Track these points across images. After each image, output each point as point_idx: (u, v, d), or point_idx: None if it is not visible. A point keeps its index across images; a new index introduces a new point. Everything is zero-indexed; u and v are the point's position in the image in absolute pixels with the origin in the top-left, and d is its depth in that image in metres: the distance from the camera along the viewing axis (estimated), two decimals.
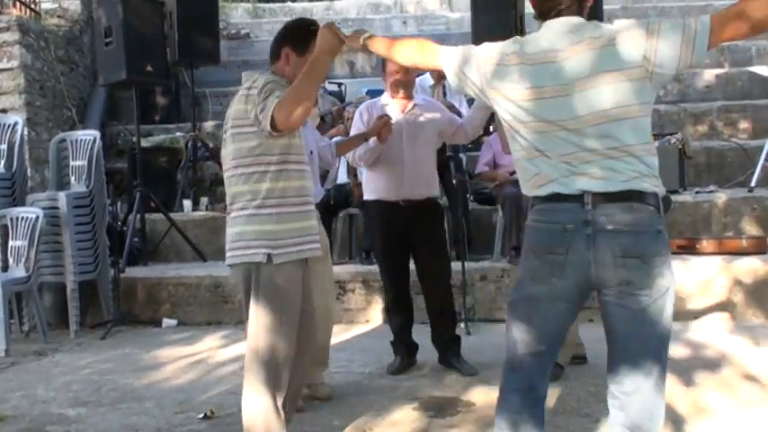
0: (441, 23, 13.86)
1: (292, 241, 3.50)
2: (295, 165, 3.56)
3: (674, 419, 4.26)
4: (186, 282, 7.75)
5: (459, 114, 6.87)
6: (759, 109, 10.05)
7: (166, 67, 9.16)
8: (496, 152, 7.47)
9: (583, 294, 2.82)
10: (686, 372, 5.17)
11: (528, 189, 2.89)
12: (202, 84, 11.27)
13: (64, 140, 8.05)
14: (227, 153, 3.57)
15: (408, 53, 3.13)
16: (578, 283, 2.76)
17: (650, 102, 2.75)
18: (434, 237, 5.55)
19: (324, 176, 7.36)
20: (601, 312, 2.82)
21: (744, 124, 10.03)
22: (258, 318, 3.48)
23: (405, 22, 14.06)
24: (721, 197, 8.03)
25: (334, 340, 5.39)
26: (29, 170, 8.76)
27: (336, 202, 7.78)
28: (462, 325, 6.74)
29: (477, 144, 8.42)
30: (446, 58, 3.00)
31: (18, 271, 7.13)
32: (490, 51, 2.91)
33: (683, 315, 6.45)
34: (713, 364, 5.35)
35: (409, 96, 5.53)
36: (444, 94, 7.94)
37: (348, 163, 7.18)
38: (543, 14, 2.87)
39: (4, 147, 7.82)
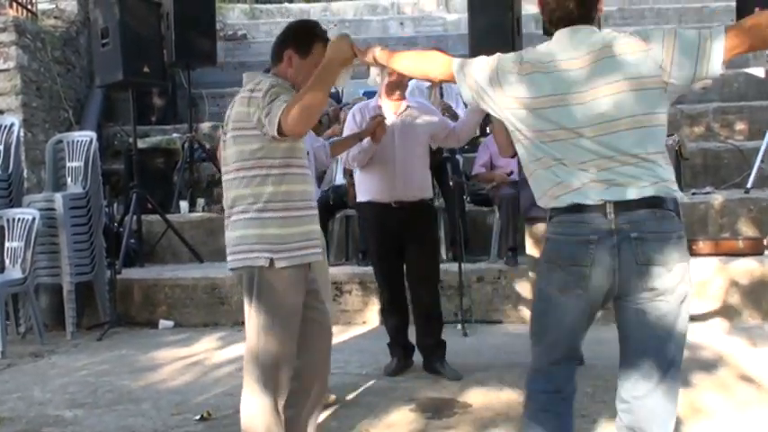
0: (438, 25, 13.87)
1: (295, 246, 3.46)
2: (298, 168, 3.53)
3: None
4: (183, 283, 7.75)
5: (456, 116, 6.87)
6: (755, 110, 10.06)
7: (163, 68, 9.16)
8: (493, 153, 7.47)
9: (605, 302, 2.83)
10: (683, 372, 5.15)
11: (545, 201, 2.87)
12: (199, 85, 11.27)
13: (60, 142, 8.04)
14: (227, 155, 3.54)
15: (421, 66, 3.14)
16: (603, 292, 2.76)
17: (665, 111, 2.76)
18: (425, 239, 5.54)
19: (320, 177, 7.36)
20: (616, 315, 2.82)
21: (740, 125, 10.05)
22: (258, 321, 3.47)
23: (402, 24, 14.06)
24: (718, 198, 8.04)
25: None
26: (25, 171, 8.74)
27: (333, 203, 7.77)
28: (459, 326, 6.76)
29: (473, 146, 8.42)
30: (459, 70, 3.00)
31: (14, 272, 7.12)
32: (504, 61, 2.91)
33: None
34: (710, 365, 5.35)
35: (403, 98, 5.53)
36: (441, 96, 7.94)
37: None
38: (555, 24, 2.88)
39: (1, 148, 7.80)
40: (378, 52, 3.21)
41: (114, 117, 11.20)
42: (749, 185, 8.23)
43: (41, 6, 10.76)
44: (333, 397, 4.97)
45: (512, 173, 7.01)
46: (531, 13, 11.47)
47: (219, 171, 9.60)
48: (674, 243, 2.69)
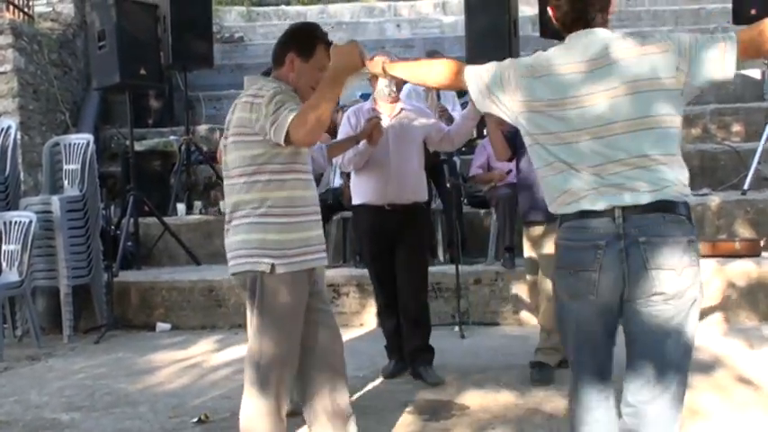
0: (434, 27, 13.88)
1: (296, 251, 3.45)
2: (300, 173, 3.52)
3: None
4: (180, 286, 7.74)
5: (452, 119, 6.87)
6: (751, 112, 10.06)
7: (160, 70, 9.16)
8: (490, 155, 7.46)
9: (622, 306, 2.81)
10: None
11: (555, 207, 2.88)
12: (196, 87, 11.28)
13: (57, 144, 8.03)
14: (228, 160, 3.52)
15: (432, 75, 3.12)
16: (615, 297, 2.76)
17: (680, 113, 2.76)
18: (415, 244, 5.49)
19: (317, 180, 7.35)
20: (624, 318, 2.81)
21: (736, 127, 10.05)
22: (259, 325, 3.46)
23: (398, 26, 14.07)
24: (714, 200, 8.05)
25: None
26: (22, 174, 8.74)
27: (330, 206, 7.77)
28: (456, 328, 6.76)
29: (470, 147, 8.44)
30: (470, 76, 2.99)
31: (11, 275, 7.11)
32: (515, 65, 2.91)
33: None
34: (707, 367, 5.35)
35: (397, 100, 5.53)
36: (438, 98, 7.94)
37: None
38: (567, 26, 2.88)
39: None
40: (388, 65, 3.21)
41: (111, 120, 11.19)
42: (746, 187, 8.24)
43: (38, 9, 10.77)
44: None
45: (510, 171, 7.00)
46: (528, 15, 11.51)
47: (218, 174, 9.69)
48: (683, 247, 2.68)
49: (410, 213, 5.41)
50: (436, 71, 3.10)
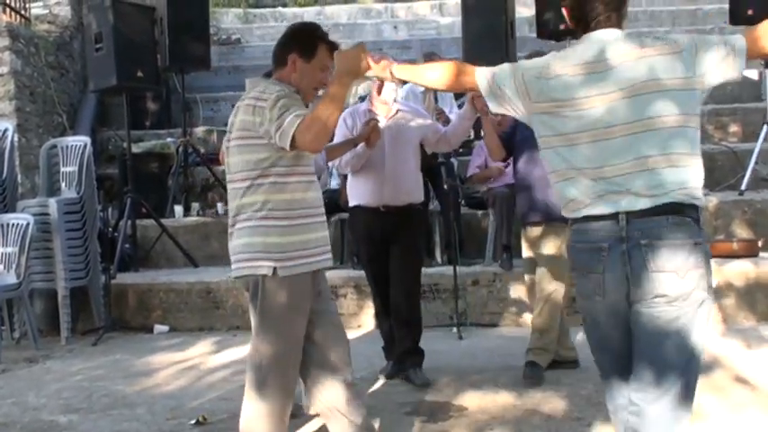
0: (431, 28, 13.87)
1: (299, 254, 3.44)
2: (303, 176, 3.51)
3: None
4: (177, 288, 7.74)
5: (449, 121, 6.87)
6: (749, 112, 10.07)
7: (157, 72, 9.15)
8: (488, 156, 7.47)
9: (629, 308, 2.81)
10: None
11: (565, 212, 2.92)
12: (193, 89, 11.26)
13: (54, 146, 8.03)
14: (231, 163, 3.51)
15: (439, 77, 3.11)
16: (621, 299, 2.78)
17: (696, 113, 2.78)
18: (409, 246, 5.48)
19: None
20: (631, 320, 2.81)
21: (734, 127, 10.06)
22: (262, 328, 3.45)
23: (395, 27, 14.06)
24: (712, 200, 8.05)
25: None
26: (19, 176, 8.74)
27: (328, 207, 7.75)
28: (454, 329, 6.76)
29: (468, 149, 8.44)
30: (482, 78, 2.99)
31: (9, 277, 7.10)
32: (529, 66, 2.92)
33: None
34: (705, 367, 5.32)
35: (394, 101, 5.52)
36: (435, 100, 7.95)
37: None
38: (582, 26, 2.89)
39: None
40: (395, 68, 3.20)
41: (108, 122, 11.17)
42: (743, 187, 8.25)
43: (35, 11, 10.75)
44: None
45: (507, 165, 6.95)
46: (525, 16, 11.51)
47: (215, 176, 9.68)
48: (687, 250, 2.68)
49: (405, 215, 5.40)
50: (445, 73, 3.09)
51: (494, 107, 3.03)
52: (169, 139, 10.34)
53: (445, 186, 7.30)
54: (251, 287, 3.47)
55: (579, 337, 5.69)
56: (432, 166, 6.96)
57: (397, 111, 5.49)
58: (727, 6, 8.79)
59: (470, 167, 7.95)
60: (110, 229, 8.38)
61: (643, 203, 2.69)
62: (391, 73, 3.20)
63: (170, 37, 9.15)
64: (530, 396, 5.00)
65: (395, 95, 5.44)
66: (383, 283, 5.53)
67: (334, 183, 8.09)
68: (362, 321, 7.28)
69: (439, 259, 7.86)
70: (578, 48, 2.86)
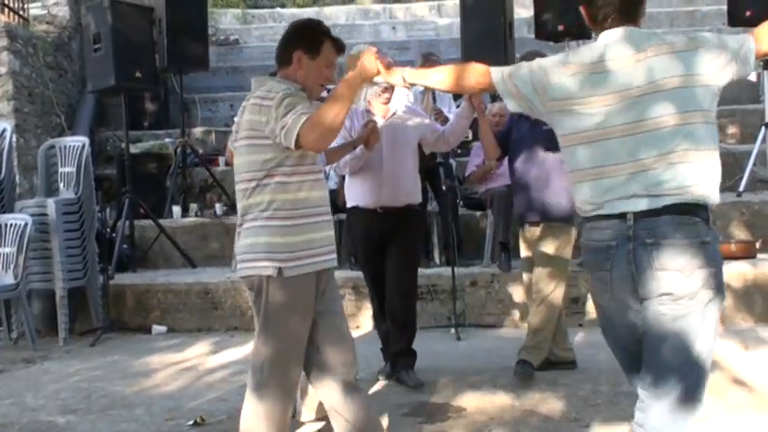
0: (430, 29, 13.88)
1: (304, 254, 3.42)
2: (309, 174, 3.49)
3: None
4: (176, 288, 7.73)
5: (447, 121, 6.86)
6: (747, 114, 10.07)
7: (155, 73, 9.15)
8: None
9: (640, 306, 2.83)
10: None
11: (579, 211, 2.96)
12: (191, 90, 11.27)
13: (53, 147, 8.03)
14: (239, 164, 3.50)
15: (453, 79, 3.12)
16: (627, 296, 2.80)
17: (712, 109, 2.78)
18: (406, 248, 5.47)
19: None
20: (642, 318, 2.81)
21: (732, 129, 10.06)
22: (265, 329, 3.44)
23: (394, 28, 14.07)
24: None
25: None
26: (17, 177, 8.73)
27: None
28: (452, 330, 6.76)
29: (466, 149, 8.44)
30: (498, 78, 3.00)
31: (7, 278, 7.10)
32: (546, 65, 2.93)
33: None
34: None
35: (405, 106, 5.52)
36: (434, 100, 7.95)
37: None
38: (598, 24, 2.90)
39: None
40: (407, 72, 3.20)
41: (106, 122, 11.18)
42: (741, 189, 8.25)
43: (33, 12, 10.75)
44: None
45: (501, 165, 6.90)
46: (524, 17, 11.52)
47: (213, 176, 9.68)
48: (694, 249, 2.68)
49: (403, 216, 5.39)
50: (459, 76, 3.09)
51: (512, 106, 3.05)
52: (167, 140, 10.35)
53: (443, 187, 7.29)
54: (255, 287, 3.45)
55: (577, 338, 5.71)
56: (430, 167, 6.96)
57: (395, 111, 5.48)
58: (725, 8, 8.80)
59: (469, 165, 7.94)
60: (108, 230, 8.37)
61: (648, 204, 2.71)
62: (403, 78, 3.20)
63: (168, 37, 9.16)
64: (528, 397, 5.00)
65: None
66: (381, 285, 5.52)
67: (331, 183, 8.08)
68: (360, 322, 7.28)
69: (437, 260, 7.86)
70: (592, 46, 2.89)
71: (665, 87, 2.72)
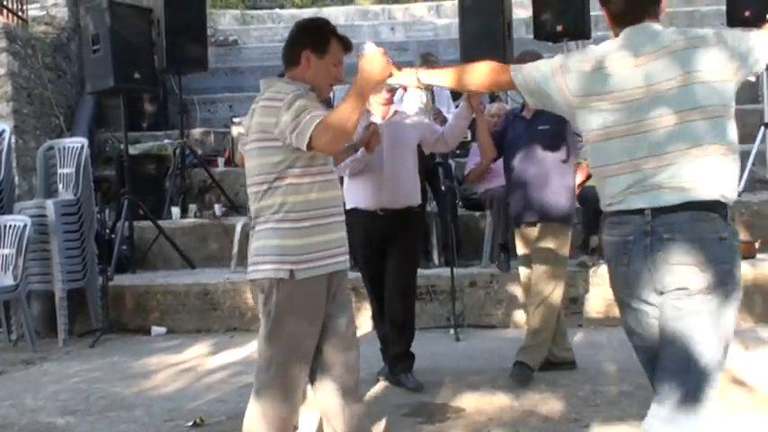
0: (428, 30, 13.89)
1: (316, 256, 3.41)
2: (320, 176, 3.46)
3: None
4: (175, 289, 7.73)
5: (446, 121, 6.85)
6: (746, 114, 10.05)
7: (154, 74, 9.15)
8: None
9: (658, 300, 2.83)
10: None
11: (602, 206, 2.97)
12: (190, 91, 11.27)
13: (51, 148, 8.03)
14: (250, 167, 3.48)
15: (471, 78, 3.12)
16: (645, 291, 2.80)
17: (731, 104, 2.84)
18: (406, 250, 5.47)
19: None
20: (658, 312, 2.82)
21: None
22: (271, 331, 3.41)
23: (393, 29, 14.08)
24: None
25: None
26: (16, 178, 8.73)
27: None
28: (452, 331, 6.76)
29: (465, 150, 8.44)
30: (519, 76, 3.01)
31: (6, 279, 7.10)
32: (567, 62, 2.94)
33: None
34: None
35: (391, 103, 5.50)
36: (433, 100, 7.93)
37: None
38: (619, 20, 2.92)
39: None
40: (421, 74, 3.20)
41: (105, 123, 11.18)
42: (740, 189, 8.25)
43: (32, 13, 10.76)
44: None
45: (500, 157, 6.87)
46: (522, 17, 11.52)
47: (212, 177, 9.67)
48: (710, 244, 2.69)
49: (403, 218, 5.39)
50: (476, 74, 3.09)
51: (532, 103, 3.08)
52: (166, 141, 10.35)
53: (443, 188, 7.29)
54: (265, 289, 3.42)
55: (577, 338, 5.71)
56: (429, 168, 6.96)
57: (395, 112, 5.48)
58: (724, 8, 8.80)
59: (468, 164, 7.93)
60: (107, 231, 8.37)
61: (666, 200, 2.72)
62: (418, 78, 3.20)
63: (167, 38, 9.16)
64: (527, 397, 5.00)
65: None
66: (379, 286, 5.52)
67: None
68: (360, 323, 7.23)
69: (436, 261, 7.85)
70: (613, 42, 2.91)
71: (690, 82, 2.75)
